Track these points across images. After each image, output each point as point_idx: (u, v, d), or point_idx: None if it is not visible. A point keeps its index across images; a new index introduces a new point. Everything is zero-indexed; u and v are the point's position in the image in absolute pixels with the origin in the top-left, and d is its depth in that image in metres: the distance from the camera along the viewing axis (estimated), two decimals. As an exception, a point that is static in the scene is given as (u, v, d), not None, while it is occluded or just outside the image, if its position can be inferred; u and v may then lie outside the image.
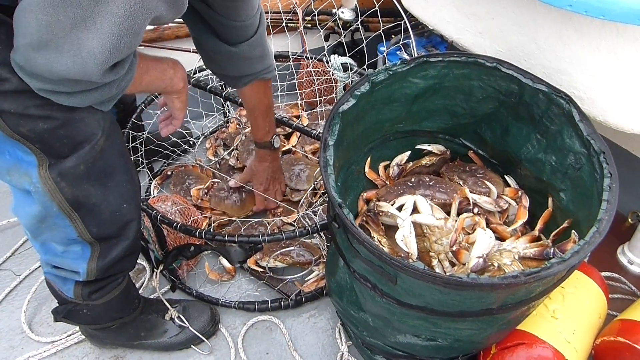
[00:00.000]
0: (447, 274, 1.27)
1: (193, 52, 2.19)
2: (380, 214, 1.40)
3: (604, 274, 1.65)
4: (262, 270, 1.78)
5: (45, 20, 0.81)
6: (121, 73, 0.95)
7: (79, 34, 0.83)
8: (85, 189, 1.09)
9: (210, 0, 1.27)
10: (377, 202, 1.42)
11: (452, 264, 1.31)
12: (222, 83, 2.20)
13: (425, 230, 1.36)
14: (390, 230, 1.40)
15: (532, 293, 1.09)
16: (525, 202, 1.41)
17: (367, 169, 1.58)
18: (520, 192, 1.44)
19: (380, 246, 1.31)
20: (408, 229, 1.29)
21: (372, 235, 1.35)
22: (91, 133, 1.04)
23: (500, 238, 1.37)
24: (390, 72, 1.37)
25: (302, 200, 1.97)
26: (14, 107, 0.93)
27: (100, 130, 1.06)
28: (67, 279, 1.28)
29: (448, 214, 1.41)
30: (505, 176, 1.54)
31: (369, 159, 1.58)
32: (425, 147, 1.62)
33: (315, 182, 2.00)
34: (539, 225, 1.36)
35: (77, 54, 0.84)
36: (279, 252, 1.77)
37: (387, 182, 1.59)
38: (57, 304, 1.40)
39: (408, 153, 1.62)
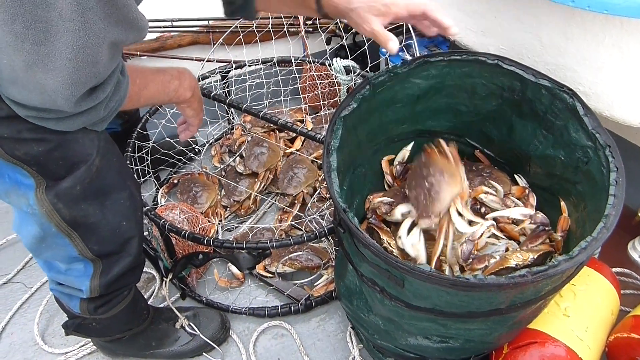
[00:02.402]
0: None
1: (196, 60, 2.20)
2: (387, 215, 1.40)
3: (615, 269, 1.64)
4: (271, 275, 1.78)
5: (6, 60, 0.81)
6: (101, 97, 0.93)
7: (35, 76, 0.83)
8: (82, 208, 1.09)
9: None
10: (372, 200, 1.40)
11: (463, 270, 1.30)
12: (226, 90, 2.21)
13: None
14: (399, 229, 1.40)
15: (541, 292, 1.08)
16: (532, 200, 1.40)
17: (384, 161, 1.60)
18: (527, 191, 1.43)
19: (390, 248, 1.31)
20: (417, 237, 1.27)
21: (381, 237, 1.34)
22: (86, 154, 1.04)
23: (509, 237, 1.36)
24: (391, 74, 1.37)
25: (308, 205, 1.97)
26: (7, 132, 0.94)
27: (95, 150, 1.05)
28: (73, 295, 1.29)
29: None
30: (515, 175, 1.53)
31: (386, 158, 1.61)
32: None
33: (320, 188, 2.00)
34: (559, 232, 1.32)
35: (43, 92, 0.85)
36: (287, 257, 1.77)
37: (395, 183, 1.58)
38: (67, 318, 1.41)
39: (409, 147, 1.60)
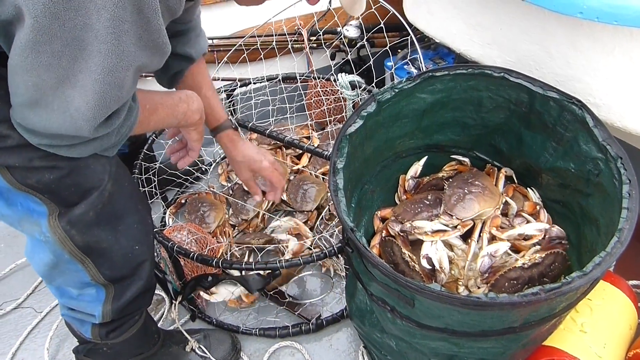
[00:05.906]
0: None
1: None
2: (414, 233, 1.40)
3: (631, 282, 1.60)
4: (281, 299, 1.75)
5: (32, 81, 0.82)
6: (117, 123, 0.95)
7: (65, 92, 0.84)
8: (95, 234, 1.09)
9: None
10: (412, 224, 1.40)
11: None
12: (232, 108, 2.20)
13: (453, 256, 1.35)
14: (415, 248, 1.39)
15: (556, 309, 1.05)
16: (543, 217, 1.38)
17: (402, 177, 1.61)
18: (538, 207, 1.41)
19: (412, 263, 1.31)
20: (442, 251, 1.32)
21: (403, 251, 1.34)
22: (98, 179, 1.04)
23: (518, 251, 1.35)
24: (397, 90, 1.36)
25: (317, 221, 1.95)
26: (19, 162, 0.94)
27: (106, 175, 1.05)
28: (84, 320, 1.28)
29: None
30: (528, 188, 1.50)
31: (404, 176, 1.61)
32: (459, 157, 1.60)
33: (329, 205, 1.98)
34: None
35: (66, 111, 0.85)
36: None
37: (406, 197, 1.57)
38: (77, 343, 1.40)
39: (422, 162, 1.58)
